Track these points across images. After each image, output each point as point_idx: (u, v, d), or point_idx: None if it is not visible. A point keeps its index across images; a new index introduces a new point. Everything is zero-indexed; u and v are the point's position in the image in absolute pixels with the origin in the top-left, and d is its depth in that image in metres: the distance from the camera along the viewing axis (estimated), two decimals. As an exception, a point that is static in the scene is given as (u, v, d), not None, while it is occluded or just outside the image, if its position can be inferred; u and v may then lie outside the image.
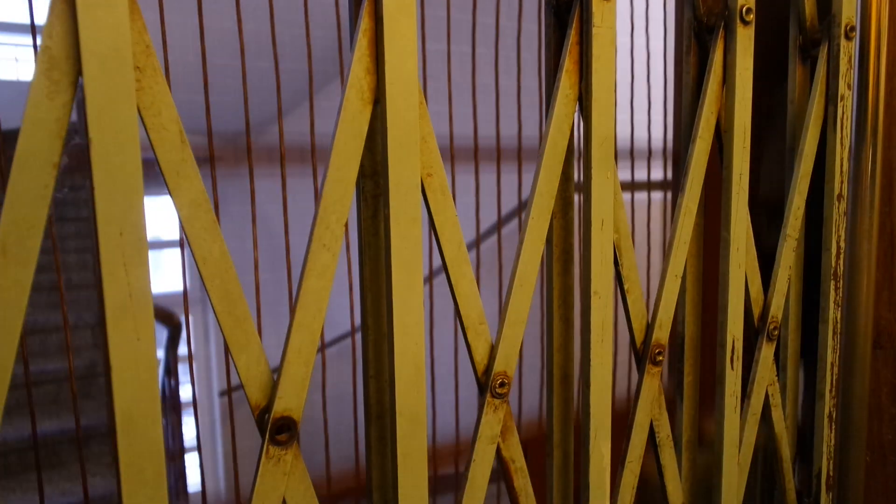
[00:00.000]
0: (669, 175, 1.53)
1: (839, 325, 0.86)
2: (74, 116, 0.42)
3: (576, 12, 0.60)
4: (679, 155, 0.74)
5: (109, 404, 0.43)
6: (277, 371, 0.49)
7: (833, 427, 0.88)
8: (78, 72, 0.40)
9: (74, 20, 0.39)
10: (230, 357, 0.48)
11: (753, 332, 0.80)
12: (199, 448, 1.03)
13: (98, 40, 0.40)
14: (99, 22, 0.40)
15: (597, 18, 0.59)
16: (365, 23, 0.50)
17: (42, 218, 0.40)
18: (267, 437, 0.48)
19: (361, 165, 0.52)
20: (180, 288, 0.97)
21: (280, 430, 0.49)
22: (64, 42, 0.40)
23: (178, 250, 0.91)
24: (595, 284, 0.62)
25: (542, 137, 0.60)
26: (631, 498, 0.69)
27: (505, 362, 0.58)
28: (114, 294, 0.41)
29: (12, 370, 0.40)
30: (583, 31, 0.60)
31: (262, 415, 0.49)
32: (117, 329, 0.42)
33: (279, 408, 0.49)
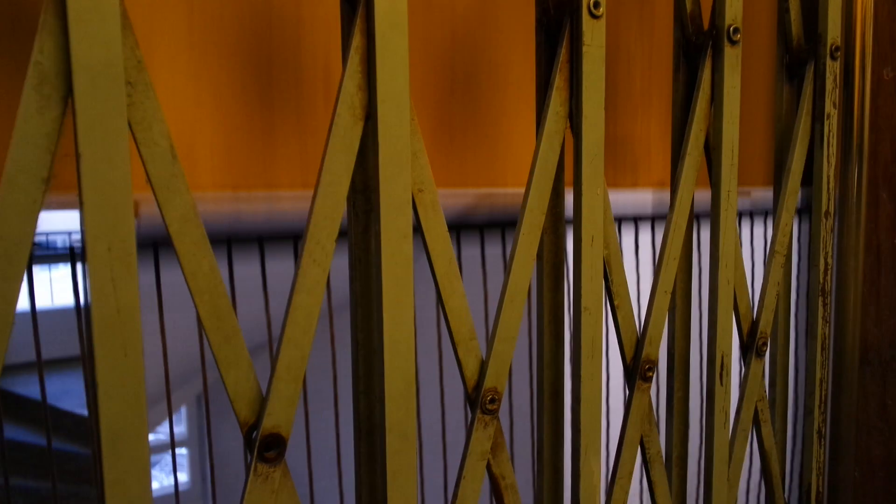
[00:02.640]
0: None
1: (828, 341, 0.87)
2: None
3: (566, 31, 0.60)
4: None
5: (95, 421, 0.42)
6: (266, 387, 0.49)
7: (822, 443, 0.88)
8: (69, 87, 0.40)
9: (65, 35, 0.39)
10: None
11: (742, 348, 0.80)
12: None
13: (89, 55, 0.40)
14: (90, 37, 0.40)
15: (587, 37, 0.59)
16: (357, 40, 0.50)
17: (30, 233, 0.40)
18: (255, 454, 0.48)
19: (353, 181, 0.52)
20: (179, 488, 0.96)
21: (268, 448, 0.48)
22: (55, 57, 0.40)
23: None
24: (585, 300, 0.62)
25: (533, 154, 0.60)
26: (621, 515, 0.68)
27: (495, 378, 0.58)
28: (101, 309, 0.41)
29: (-3, 387, 0.40)
30: (573, 50, 0.60)
31: (250, 432, 0.49)
32: (104, 344, 0.41)
33: (268, 425, 0.48)
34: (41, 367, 0.67)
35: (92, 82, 0.40)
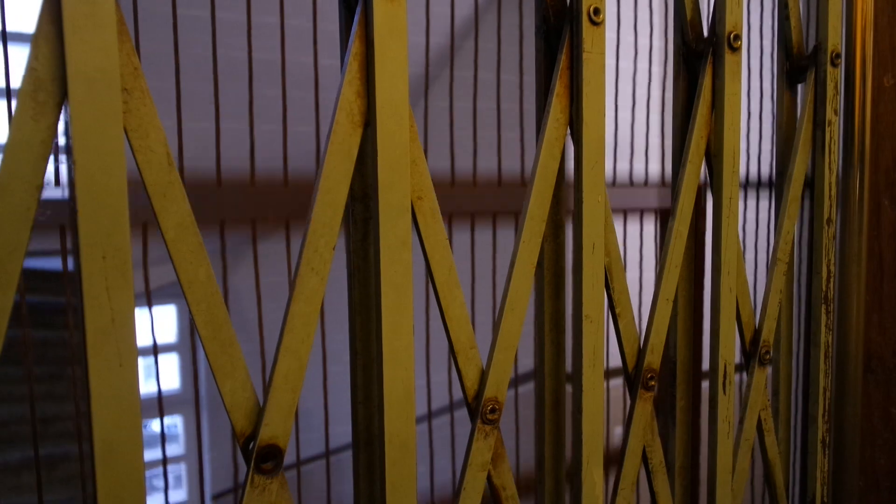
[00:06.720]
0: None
1: (831, 350, 0.86)
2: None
3: (566, 38, 0.60)
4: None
5: (89, 432, 0.42)
6: (264, 397, 0.48)
7: (826, 452, 0.87)
8: (64, 94, 0.40)
9: (61, 42, 0.39)
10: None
11: (745, 357, 0.79)
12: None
13: (85, 62, 0.39)
14: (86, 44, 0.39)
15: (587, 44, 0.59)
16: (356, 46, 0.50)
17: (24, 241, 0.39)
18: (252, 465, 0.47)
19: (351, 188, 0.51)
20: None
21: (265, 459, 0.48)
22: (50, 64, 0.39)
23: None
24: (586, 308, 0.62)
25: (534, 161, 0.60)
26: (624, 526, 0.67)
27: (496, 388, 0.58)
28: (95, 319, 0.40)
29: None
30: (573, 57, 0.60)
31: (247, 443, 0.48)
32: (98, 354, 0.41)
33: (265, 436, 0.48)
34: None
35: (88, 89, 0.40)
